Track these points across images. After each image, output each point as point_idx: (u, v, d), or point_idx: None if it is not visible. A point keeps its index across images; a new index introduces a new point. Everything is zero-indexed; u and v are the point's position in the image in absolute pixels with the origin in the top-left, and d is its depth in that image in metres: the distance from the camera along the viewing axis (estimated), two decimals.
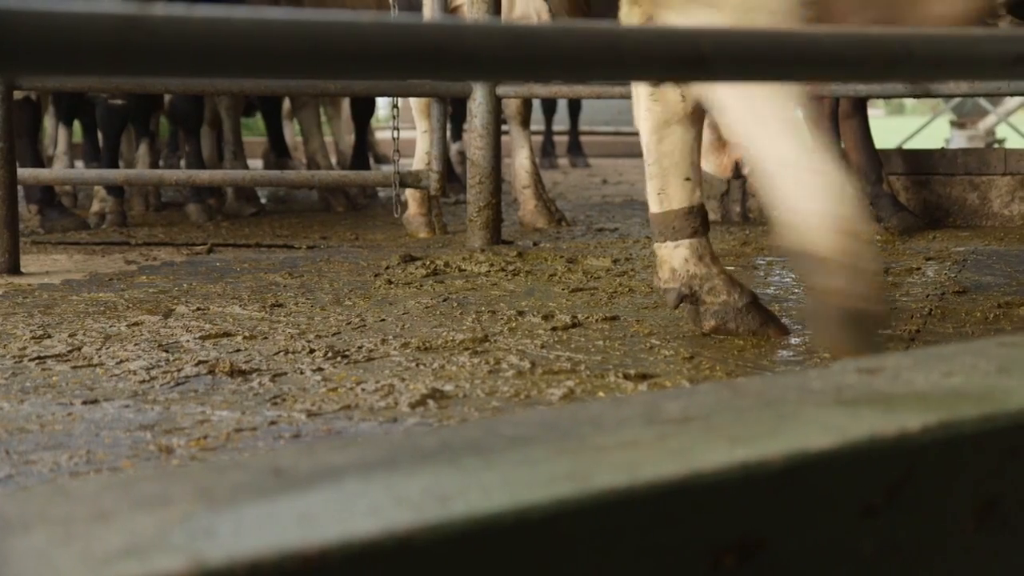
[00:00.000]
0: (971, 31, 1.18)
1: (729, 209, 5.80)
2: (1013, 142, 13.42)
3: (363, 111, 7.66)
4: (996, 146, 11.98)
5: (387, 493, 0.87)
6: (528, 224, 5.53)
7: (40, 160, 6.31)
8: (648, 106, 2.95)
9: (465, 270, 4.04)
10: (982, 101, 13.72)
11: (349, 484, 0.89)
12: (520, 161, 5.73)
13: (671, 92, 2.91)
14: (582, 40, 1.02)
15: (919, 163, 5.72)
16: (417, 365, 2.63)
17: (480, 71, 1.00)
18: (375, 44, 0.98)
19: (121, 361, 2.67)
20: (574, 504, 0.87)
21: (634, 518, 0.89)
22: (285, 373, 2.56)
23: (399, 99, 5.33)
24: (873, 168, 5.41)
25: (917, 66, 1.11)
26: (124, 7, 0.92)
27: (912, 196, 5.65)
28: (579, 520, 0.87)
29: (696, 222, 2.93)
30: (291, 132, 10.00)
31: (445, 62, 0.94)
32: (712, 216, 5.79)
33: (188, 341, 2.89)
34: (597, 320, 3.13)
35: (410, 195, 5.26)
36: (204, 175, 5.53)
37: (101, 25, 0.92)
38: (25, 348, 2.82)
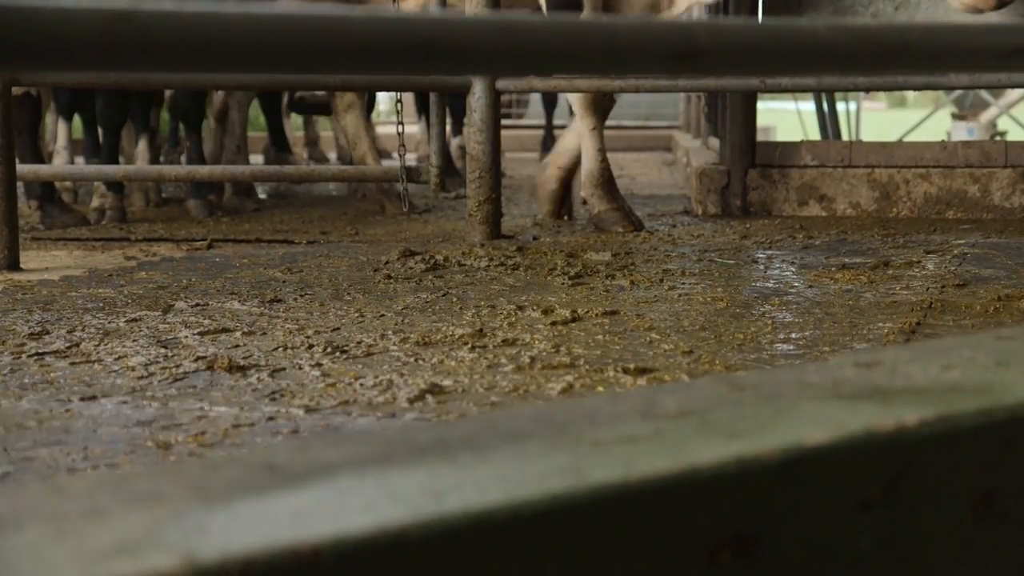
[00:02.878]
0: (967, 24, 1.17)
1: (729, 203, 5.79)
2: (1015, 134, 13.41)
3: (364, 105, 7.65)
4: (997, 138, 11.98)
5: (381, 489, 0.87)
6: (604, 228, 5.21)
7: (40, 156, 6.31)
8: None
9: (464, 265, 4.04)
10: (983, 93, 13.71)
11: (343, 480, 0.89)
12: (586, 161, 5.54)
13: None
14: (577, 33, 1.01)
15: (920, 156, 5.71)
16: (416, 360, 2.63)
17: (474, 65, 1.00)
18: (368, 38, 0.97)
19: (119, 357, 2.67)
20: (569, 499, 0.86)
21: (629, 513, 0.88)
22: (284, 369, 2.56)
23: (402, 94, 5.33)
24: None
25: (913, 59, 1.11)
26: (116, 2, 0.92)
27: (912, 189, 5.64)
28: (574, 515, 0.87)
29: None
30: (291, 127, 9.99)
31: (438, 56, 0.94)
32: (712, 209, 5.79)
33: (187, 337, 2.89)
34: (597, 315, 3.13)
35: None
36: (204, 170, 5.52)
37: (92, 20, 0.91)
38: (24, 344, 2.81)
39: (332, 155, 9.90)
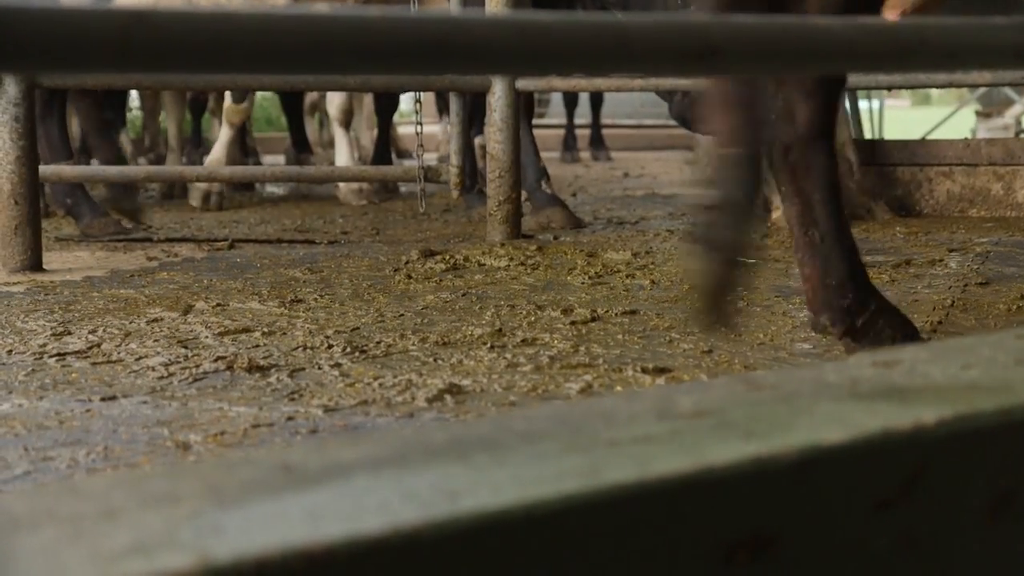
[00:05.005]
0: (986, 21, 1.17)
1: None
2: None
3: (387, 106, 7.66)
4: (1022, 136, 11.90)
5: (396, 490, 0.87)
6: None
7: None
8: None
9: (484, 264, 4.04)
10: (1008, 90, 13.63)
11: (358, 481, 0.89)
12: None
13: None
14: (591, 33, 1.01)
15: (943, 153, 5.68)
16: (435, 360, 2.63)
17: (488, 65, 1.00)
18: (382, 38, 0.97)
19: (140, 357, 2.68)
20: (584, 500, 0.86)
21: (645, 514, 0.88)
22: (303, 368, 2.57)
23: (421, 93, 5.34)
24: None
25: (931, 56, 1.10)
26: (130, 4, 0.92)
27: (936, 187, 5.61)
28: (589, 516, 0.86)
29: None
30: (312, 127, 10.01)
31: (452, 56, 0.94)
32: None
33: (207, 337, 2.90)
34: (616, 314, 3.12)
35: None
36: (225, 171, 5.54)
37: (108, 22, 0.91)
38: (45, 345, 2.83)
39: (356, 154, 9.90)
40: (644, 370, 2.49)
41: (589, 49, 0.99)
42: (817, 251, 2.43)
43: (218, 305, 3.33)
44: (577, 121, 12.00)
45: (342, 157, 6.88)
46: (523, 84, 4.93)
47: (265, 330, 2.96)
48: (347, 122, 6.93)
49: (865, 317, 2.44)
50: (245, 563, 0.76)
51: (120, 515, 0.83)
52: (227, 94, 6.90)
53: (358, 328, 3.00)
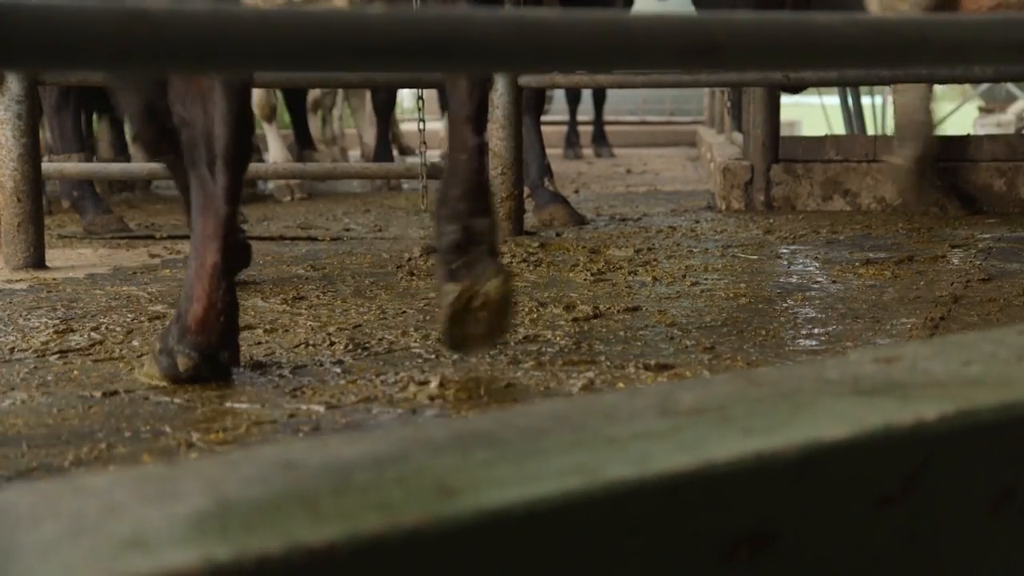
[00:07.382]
0: (988, 17, 1.16)
1: (753, 198, 5.78)
2: None
3: (385, 103, 7.66)
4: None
5: (397, 486, 0.87)
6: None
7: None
8: None
9: None
10: (1011, 87, 13.62)
11: (359, 478, 0.89)
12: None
13: None
14: (593, 29, 1.01)
15: (946, 150, 5.68)
16: (437, 357, 2.63)
17: (487, 62, 1.00)
18: (384, 35, 0.97)
19: (142, 355, 2.68)
20: (584, 496, 0.86)
21: (645, 510, 0.88)
22: (305, 366, 2.57)
23: (423, 90, 5.33)
24: None
25: (933, 52, 1.10)
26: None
27: (939, 183, 5.60)
28: (589, 512, 0.86)
29: None
30: (315, 124, 10.01)
31: (451, 53, 0.94)
32: (736, 204, 5.77)
33: None
34: (619, 311, 3.12)
35: None
36: None
37: (107, 19, 0.91)
38: (48, 342, 2.83)
39: (357, 152, 9.91)
40: (646, 367, 2.49)
41: (591, 45, 0.99)
42: None
43: None
44: (580, 117, 12.00)
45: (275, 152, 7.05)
46: (526, 81, 4.92)
47: (267, 327, 2.96)
48: (268, 117, 7.09)
49: None
50: (246, 560, 0.76)
51: (122, 512, 0.83)
52: None
53: (360, 325, 3.00)
